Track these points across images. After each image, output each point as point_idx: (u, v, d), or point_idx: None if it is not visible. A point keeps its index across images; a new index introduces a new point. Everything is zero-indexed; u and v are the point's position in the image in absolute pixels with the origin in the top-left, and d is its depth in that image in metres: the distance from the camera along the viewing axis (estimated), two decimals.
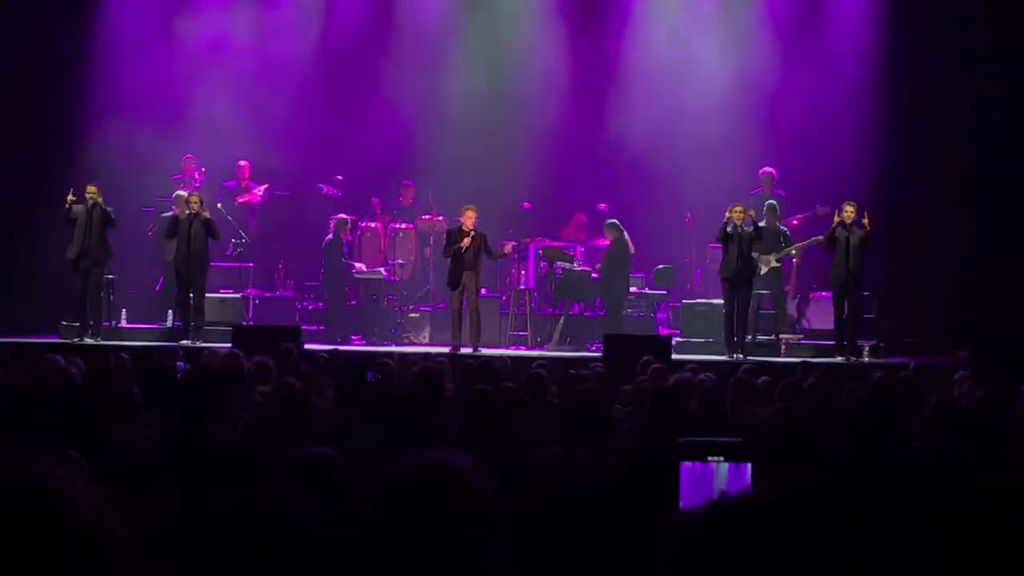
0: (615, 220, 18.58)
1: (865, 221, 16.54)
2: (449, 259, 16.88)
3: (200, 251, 16.97)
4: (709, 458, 4.18)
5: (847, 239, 16.55)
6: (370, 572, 2.28)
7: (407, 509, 2.26)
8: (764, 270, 17.41)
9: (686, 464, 4.14)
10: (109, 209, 16.94)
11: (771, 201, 18.35)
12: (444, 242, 17.37)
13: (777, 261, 17.59)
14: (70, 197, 16.78)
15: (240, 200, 19.92)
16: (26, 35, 19.42)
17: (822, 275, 17.56)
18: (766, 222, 17.77)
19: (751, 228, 16.64)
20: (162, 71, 20.11)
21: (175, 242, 17.25)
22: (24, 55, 19.42)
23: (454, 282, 16.80)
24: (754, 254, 16.96)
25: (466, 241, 16.60)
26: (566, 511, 2.84)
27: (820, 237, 17.20)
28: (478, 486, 2.31)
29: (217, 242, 17.50)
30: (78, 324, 17.01)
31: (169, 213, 18.78)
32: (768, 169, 19.28)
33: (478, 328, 16.79)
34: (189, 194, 17.79)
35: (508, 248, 17.54)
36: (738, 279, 16.63)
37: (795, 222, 18.72)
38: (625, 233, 18.48)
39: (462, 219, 16.85)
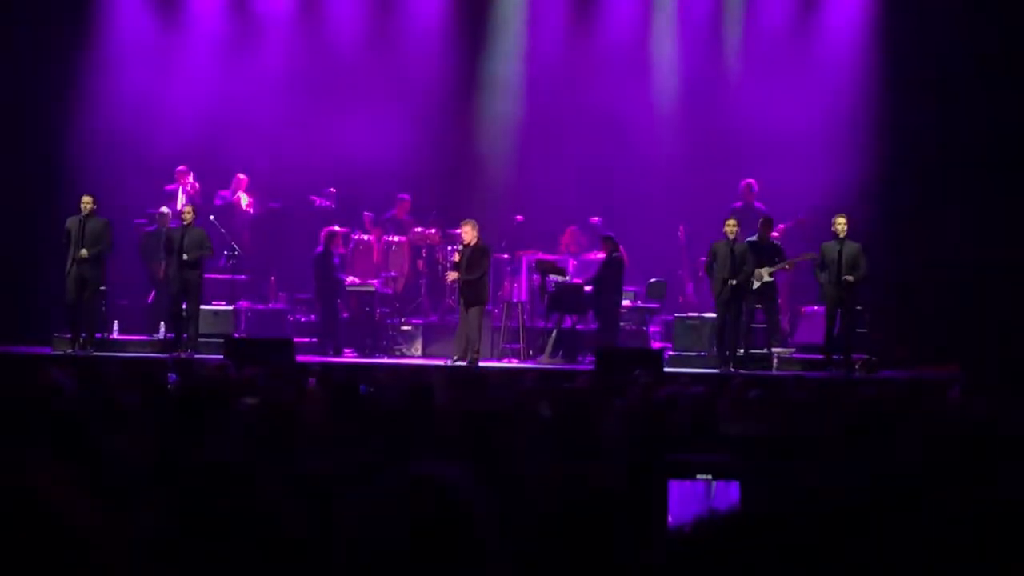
0: (610, 234, 18.58)
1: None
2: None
3: (193, 263, 16.95)
4: (698, 476, 4.17)
5: (839, 252, 16.56)
6: None
7: (397, 523, 2.26)
8: (756, 284, 17.41)
9: (674, 482, 4.14)
10: (104, 222, 16.92)
11: (766, 216, 18.30)
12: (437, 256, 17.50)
13: (770, 275, 17.57)
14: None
15: (239, 209, 19.99)
16: (24, 43, 19.42)
17: (814, 289, 17.54)
18: (759, 236, 17.75)
19: (743, 242, 16.73)
20: (157, 82, 20.13)
21: (163, 256, 17.37)
22: (22, 63, 19.41)
23: (458, 295, 17.00)
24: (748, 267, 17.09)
25: (455, 256, 16.76)
26: (555, 525, 2.84)
27: (814, 254, 17.12)
28: (467, 499, 2.31)
29: (208, 257, 17.45)
30: (69, 335, 16.96)
31: (151, 229, 18.82)
32: (748, 181, 19.32)
33: (476, 342, 16.77)
34: (183, 207, 17.83)
35: (449, 276, 17.44)
36: (730, 293, 16.64)
37: (776, 233, 18.74)
38: (620, 247, 18.49)
39: (461, 233, 16.99)
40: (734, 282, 16.66)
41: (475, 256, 16.81)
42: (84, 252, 16.67)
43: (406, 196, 20.17)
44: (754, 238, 17.66)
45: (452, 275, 16.86)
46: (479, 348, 16.80)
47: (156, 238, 18.51)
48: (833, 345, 16.68)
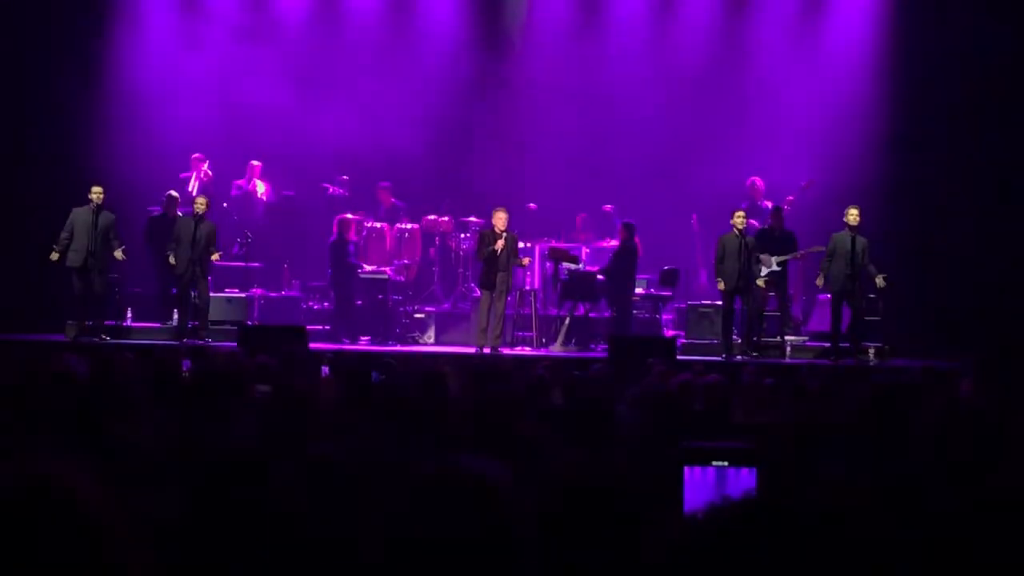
0: (630, 221, 18.57)
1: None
2: (482, 261, 17.01)
3: (204, 253, 16.89)
4: (713, 462, 4.17)
5: (852, 241, 16.55)
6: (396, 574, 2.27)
7: (437, 515, 2.25)
8: (765, 271, 17.39)
9: (689, 468, 4.13)
10: (113, 216, 16.90)
11: (778, 205, 18.32)
12: (476, 244, 17.37)
13: (778, 264, 17.55)
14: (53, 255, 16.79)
15: (256, 197, 20.02)
16: (32, 34, 19.43)
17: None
18: (772, 224, 17.81)
19: (752, 234, 16.80)
20: (170, 72, 20.13)
21: (169, 243, 17.31)
22: (29, 55, 19.42)
23: (488, 283, 16.89)
24: (763, 255, 17.13)
25: (500, 243, 16.72)
26: (568, 514, 2.83)
27: (822, 247, 17.14)
28: (506, 492, 2.30)
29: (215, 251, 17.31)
30: (85, 323, 16.95)
31: (157, 213, 18.78)
32: (753, 179, 19.31)
33: (500, 329, 16.88)
34: (196, 197, 17.79)
35: (525, 261, 17.51)
36: (737, 282, 16.63)
37: (786, 206, 18.61)
38: (636, 235, 18.49)
39: (494, 221, 16.98)
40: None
41: (514, 242, 16.98)
42: (119, 254, 16.77)
43: (387, 184, 20.18)
44: (766, 226, 17.74)
45: (526, 260, 17.05)
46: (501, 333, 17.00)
47: (162, 223, 18.48)
48: (842, 334, 16.69)
